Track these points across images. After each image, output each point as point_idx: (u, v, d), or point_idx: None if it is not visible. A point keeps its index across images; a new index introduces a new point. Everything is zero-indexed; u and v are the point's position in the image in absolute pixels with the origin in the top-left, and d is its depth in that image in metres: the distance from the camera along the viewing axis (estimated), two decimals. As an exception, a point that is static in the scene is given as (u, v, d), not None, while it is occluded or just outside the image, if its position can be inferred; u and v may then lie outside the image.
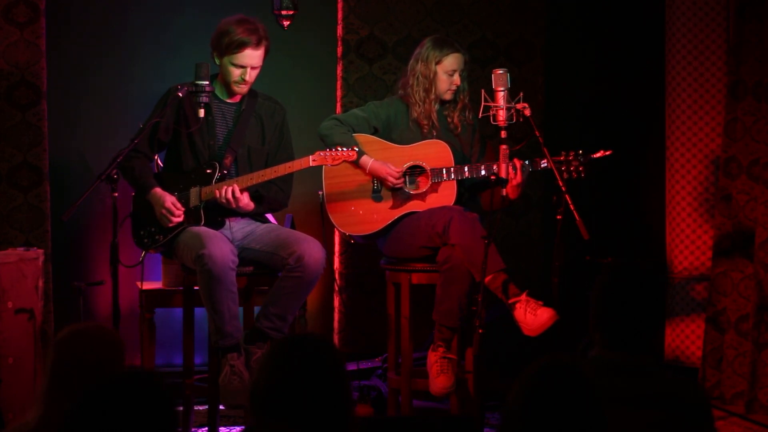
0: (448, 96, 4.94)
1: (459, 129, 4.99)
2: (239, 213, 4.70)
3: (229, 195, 4.58)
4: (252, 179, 4.63)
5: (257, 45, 4.65)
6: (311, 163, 4.62)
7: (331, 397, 2.26)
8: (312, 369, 2.26)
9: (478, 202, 5.00)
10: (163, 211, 4.62)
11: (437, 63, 4.91)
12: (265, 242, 4.66)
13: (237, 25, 4.66)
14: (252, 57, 4.65)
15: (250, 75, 4.68)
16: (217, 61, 4.71)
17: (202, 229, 4.60)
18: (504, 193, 4.44)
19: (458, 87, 4.92)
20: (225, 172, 4.70)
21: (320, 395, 2.25)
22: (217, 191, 4.60)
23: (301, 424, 2.22)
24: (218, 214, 4.69)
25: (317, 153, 4.60)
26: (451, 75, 4.90)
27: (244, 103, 4.79)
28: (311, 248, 4.53)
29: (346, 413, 2.28)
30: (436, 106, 4.97)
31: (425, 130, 4.95)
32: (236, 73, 4.67)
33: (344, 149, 4.62)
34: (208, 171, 4.69)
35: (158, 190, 4.66)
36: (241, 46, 4.63)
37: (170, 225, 4.63)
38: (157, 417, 2.10)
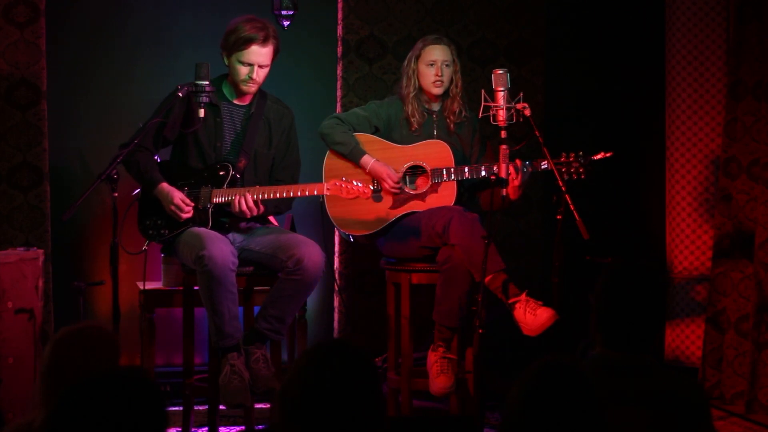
0: (435, 90, 4.92)
1: (453, 126, 4.98)
2: (244, 218, 4.70)
3: (244, 206, 4.57)
4: (264, 193, 4.60)
5: (264, 42, 4.63)
6: (325, 192, 4.59)
7: (366, 405, 2.22)
8: (348, 377, 2.20)
9: (478, 201, 5.00)
10: (172, 207, 4.61)
11: (417, 58, 4.92)
12: (265, 244, 4.65)
13: (245, 22, 4.65)
14: (259, 54, 4.64)
15: (258, 73, 4.66)
16: (226, 61, 4.70)
17: (203, 230, 4.59)
18: (504, 194, 4.43)
19: (441, 78, 4.87)
20: (238, 176, 4.69)
21: (355, 404, 2.21)
22: (236, 198, 4.58)
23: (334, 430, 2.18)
24: (225, 220, 4.70)
25: (332, 182, 4.55)
26: (431, 65, 4.90)
27: (254, 105, 4.77)
28: (310, 251, 4.53)
29: (379, 423, 2.23)
30: (432, 105, 4.97)
31: (413, 128, 4.94)
32: (243, 71, 4.65)
33: (360, 185, 4.55)
34: (222, 173, 4.68)
35: (165, 185, 4.65)
36: (248, 42, 4.62)
37: (180, 220, 4.63)
38: (145, 414, 2.08)
